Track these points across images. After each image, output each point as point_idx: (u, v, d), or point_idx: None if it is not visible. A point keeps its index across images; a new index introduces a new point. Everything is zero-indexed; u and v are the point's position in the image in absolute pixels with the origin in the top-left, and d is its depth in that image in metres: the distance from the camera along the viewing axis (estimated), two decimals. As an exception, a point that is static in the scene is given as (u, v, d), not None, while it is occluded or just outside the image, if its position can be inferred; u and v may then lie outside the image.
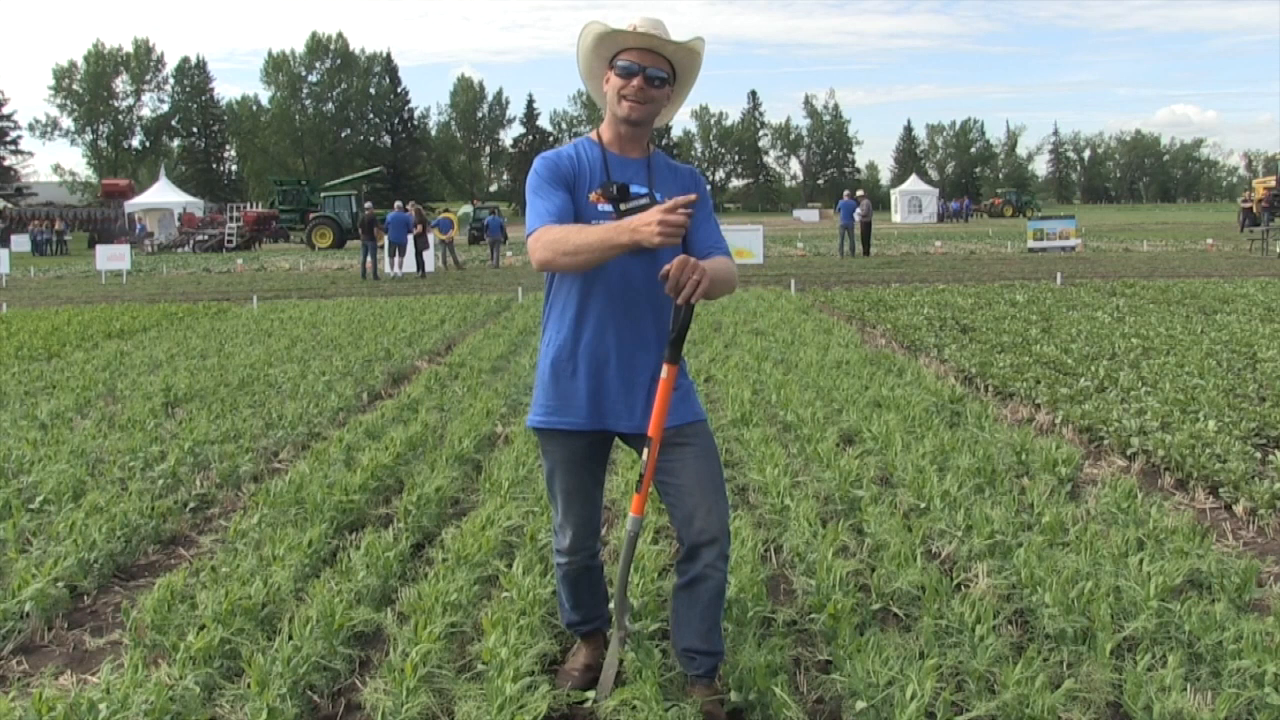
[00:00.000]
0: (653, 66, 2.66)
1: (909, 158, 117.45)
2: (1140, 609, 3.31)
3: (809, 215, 70.37)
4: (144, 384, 8.28)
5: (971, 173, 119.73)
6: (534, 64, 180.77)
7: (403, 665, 2.96)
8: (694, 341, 9.72)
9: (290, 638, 3.19)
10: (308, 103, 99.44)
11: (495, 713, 2.73)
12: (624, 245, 2.44)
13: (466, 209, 50.60)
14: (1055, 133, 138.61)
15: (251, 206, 50.98)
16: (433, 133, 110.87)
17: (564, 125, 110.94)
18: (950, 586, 3.57)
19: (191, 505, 5.04)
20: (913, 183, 67.21)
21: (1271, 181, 39.98)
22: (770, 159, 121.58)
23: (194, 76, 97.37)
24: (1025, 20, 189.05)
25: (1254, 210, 36.77)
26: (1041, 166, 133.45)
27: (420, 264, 23.32)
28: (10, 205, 55.48)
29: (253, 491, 5.13)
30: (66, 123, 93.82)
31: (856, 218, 26.60)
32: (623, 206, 2.66)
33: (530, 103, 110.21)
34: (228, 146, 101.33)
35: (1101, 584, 3.46)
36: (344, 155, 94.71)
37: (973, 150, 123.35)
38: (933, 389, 7.09)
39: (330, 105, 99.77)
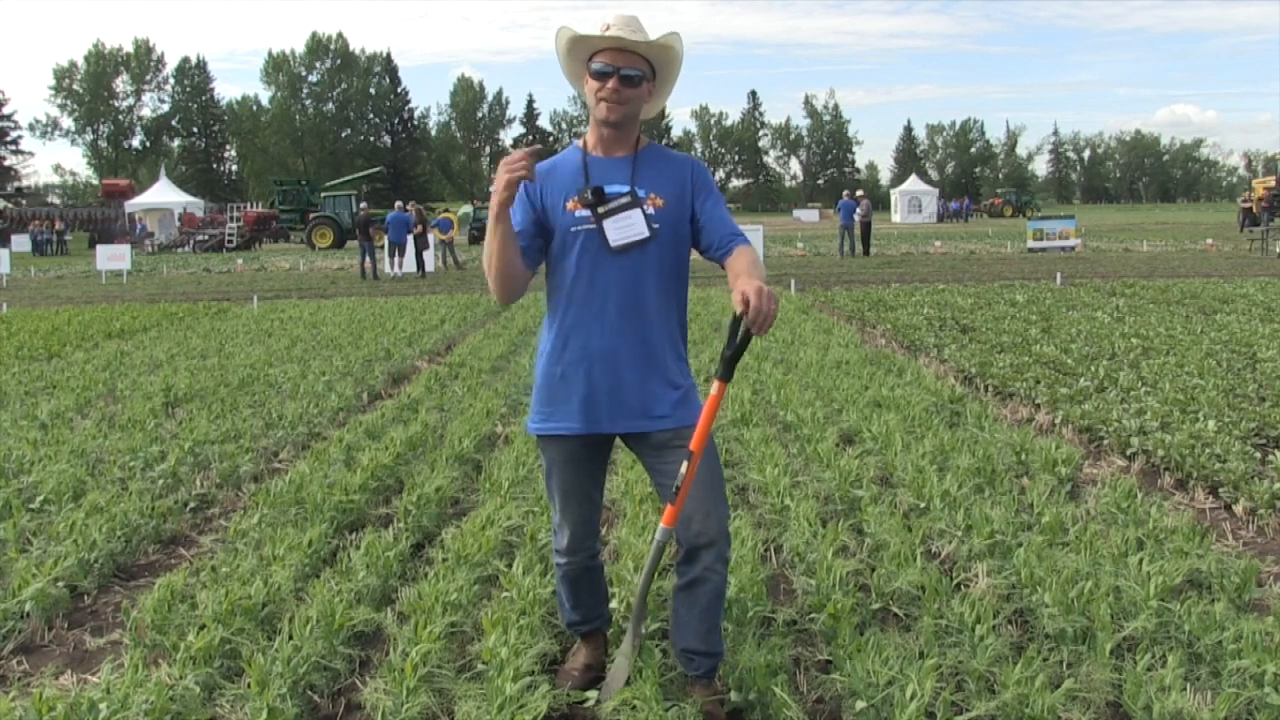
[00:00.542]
0: (627, 66, 2.64)
1: (909, 158, 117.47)
2: (1140, 609, 3.31)
3: (809, 215, 70.36)
4: (144, 384, 8.29)
5: (971, 173, 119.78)
6: (534, 64, 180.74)
7: (403, 665, 2.97)
8: (694, 341, 9.72)
9: (290, 637, 3.19)
10: (308, 103, 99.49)
11: (495, 713, 2.73)
12: (498, 213, 2.54)
13: (466, 209, 50.59)
14: (1055, 133, 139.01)
15: (251, 206, 50.97)
16: (433, 133, 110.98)
17: (564, 125, 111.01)
18: (950, 586, 3.58)
19: (192, 505, 5.04)
20: (912, 183, 67.19)
21: (1271, 181, 40.02)
22: (770, 159, 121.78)
23: (194, 76, 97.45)
24: (1025, 20, 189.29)
25: (1254, 210, 36.78)
26: (1041, 166, 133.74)
27: (420, 264, 23.32)
28: (11, 205, 55.48)
29: (253, 491, 5.13)
30: (67, 123, 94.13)
31: (856, 218, 26.60)
32: (600, 209, 2.65)
33: (530, 103, 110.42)
34: (228, 146, 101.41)
35: (1101, 584, 3.46)
36: (344, 155, 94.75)
37: (973, 150, 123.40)
38: (932, 389, 7.09)
39: (330, 105, 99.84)
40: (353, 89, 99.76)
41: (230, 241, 43.10)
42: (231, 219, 45.34)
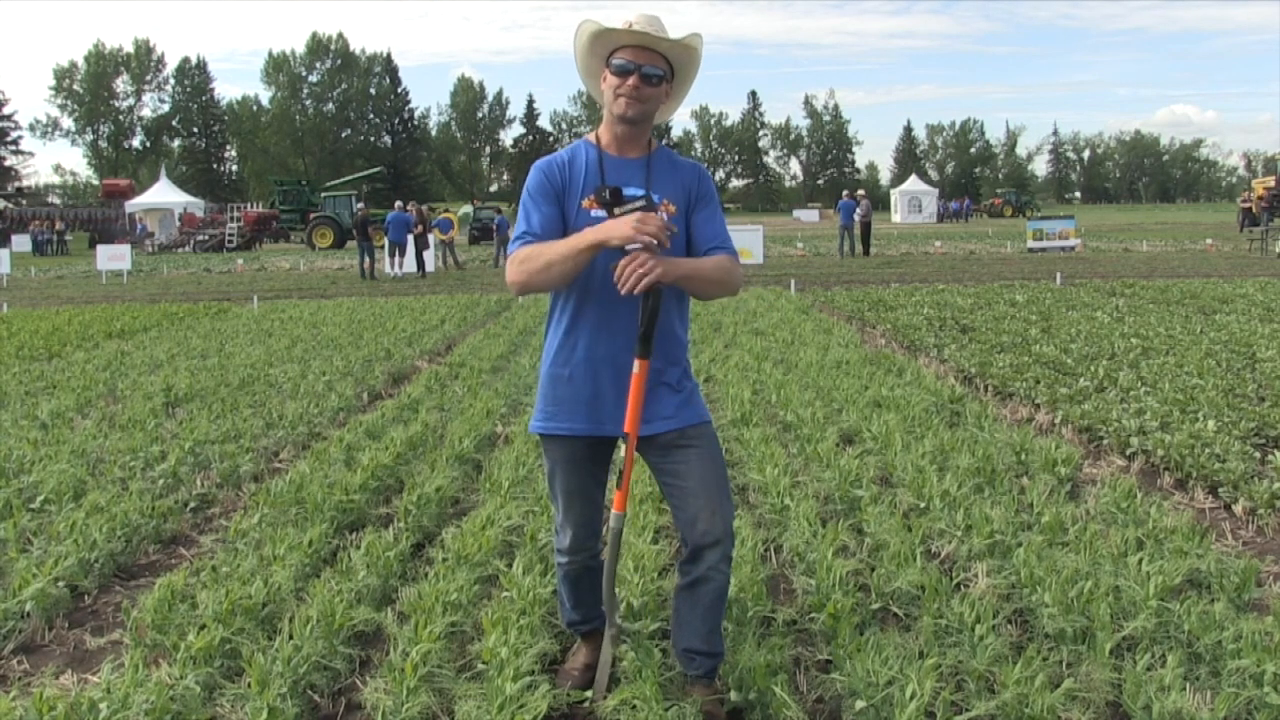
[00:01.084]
0: (649, 64, 2.63)
1: (909, 158, 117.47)
2: (1140, 609, 3.31)
3: (809, 215, 70.37)
4: (144, 384, 8.29)
5: (971, 173, 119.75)
6: (534, 64, 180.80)
7: (403, 665, 2.97)
8: (695, 341, 9.73)
9: (290, 637, 3.19)
10: (308, 103, 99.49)
11: (495, 712, 2.73)
12: (591, 245, 2.49)
13: (467, 209, 50.63)
14: (1055, 133, 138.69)
15: (252, 206, 50.96)
16: (433, 133, 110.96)
17: (564, 125, 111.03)
18: (950, 586, 3.58)
19: (192, 505, 5.04)
20: (912, 183, 67.22)
21: (1271, 181, 40.03)
22: (770, 159, 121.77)
23: (194, 77, 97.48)
24: (1025, 20, 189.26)
25: (1253, 210, 36.79)
26: (1041, 166, 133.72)
27: (421, 264, 23.33)
28: (11, 205, 55.48)
29: (253, 491, 5.14)
30: (67, 123, 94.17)
31: (856, 218, 26.60)
32: (616, 211, 2.63)
33: (530, 103, 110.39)
34: (228, 147, 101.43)
35: (1101, 584, 3.46)
36: (344, 155, 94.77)
37: (972, 150, 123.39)
38: (932, 389, 7.09)
39: (330, 105, 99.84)
40: (353, 89, 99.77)
41: (230, 241, 43.10)
42: (232, 219, 45.35)
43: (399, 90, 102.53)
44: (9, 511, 4.72)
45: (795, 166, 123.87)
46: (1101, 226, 46.58)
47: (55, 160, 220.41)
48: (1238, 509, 4.64)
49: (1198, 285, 14.67)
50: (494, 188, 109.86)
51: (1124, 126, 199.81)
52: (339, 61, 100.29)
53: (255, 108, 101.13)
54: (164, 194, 50.37)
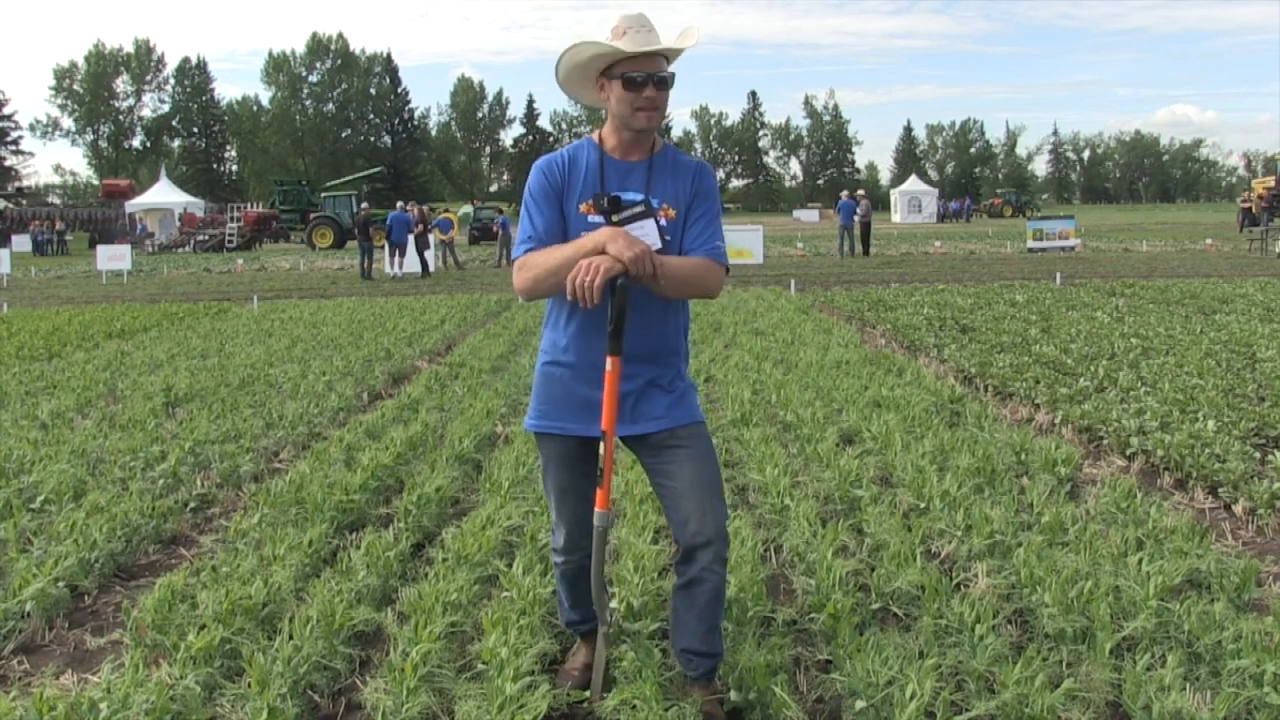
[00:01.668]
0: (658, 70, 2.60)
1: (909, 158, 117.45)
2: (1140, 609, 3.31)
3: (809, 215, 70.34)
4: (144, 384, 8.29)
5: (971, 173, 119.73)
6: (534, 64, 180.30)
7: (403, 665, 2.97)
8: (695, 341, 9.72)
9: (291, 637, 3.19)
10: (308, 103, 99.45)
11: (495, 712, 2.73)
12: (582, 257, 2.49)
13: (467, 209, 50.64)
14: (1055, 133, 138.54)
15: (252, 207, 50.96)
16: (433, 133, 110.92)
17: (564, 125, 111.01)
18: (950, 586, 3.58)
19: (192, 505, 5.04)
20: (912, 183, 67.21)
21: (1270, 181, 40.00)
22: (770, 159, 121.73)
23: (194, 77, 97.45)
24: (1025, 20, 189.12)
25: (1253, 210, 36.77)
26: (1041, 167, 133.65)
27: (424, 264, 23.35)
28: (11, 205, 55.48)
29: (253, 491, 5.14)
30: (67, 123, 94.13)
31: (856, 218, 26.60)
32: (615, 218, 2.62)
33: (530, 103, 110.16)
34: (228, 147, 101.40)
35: (1101, 584, 3.46)
36: (344, 155, 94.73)
37: (972, 150, 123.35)
38: (932, 389, 7.09)
39: (330, 105, 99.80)
40: (353, 89, 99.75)
41: (230, 242, 43.09)
42: (232, 219, 45.34)
43: (399, 90, 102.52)
44: (9, 511, 4.73)
45: (795, 166, 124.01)
46: (1101, 226, 46.58)
47: (55, 160, 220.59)
48: (1238, 509, 4.64)
49: (1198, 285, 14.66)
50: (494, 188, 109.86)
51: (1124, 126, 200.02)
52: (339, 61, 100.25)
53: (255, 108, 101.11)
54: (164, 194, 50.36)
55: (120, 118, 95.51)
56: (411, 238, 23.06)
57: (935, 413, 6.39)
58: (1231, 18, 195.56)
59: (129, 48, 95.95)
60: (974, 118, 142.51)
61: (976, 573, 3.77)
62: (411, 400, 7.29)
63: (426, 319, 12.63)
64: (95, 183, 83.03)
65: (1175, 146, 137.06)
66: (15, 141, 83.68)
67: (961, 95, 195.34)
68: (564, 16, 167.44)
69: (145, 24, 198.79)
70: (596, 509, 2.71)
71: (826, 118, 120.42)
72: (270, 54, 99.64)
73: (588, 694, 2.98)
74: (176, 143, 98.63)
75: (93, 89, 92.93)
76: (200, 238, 43.39)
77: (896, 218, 61.68)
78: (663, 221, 2.67)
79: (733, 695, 2.90)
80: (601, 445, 2.65)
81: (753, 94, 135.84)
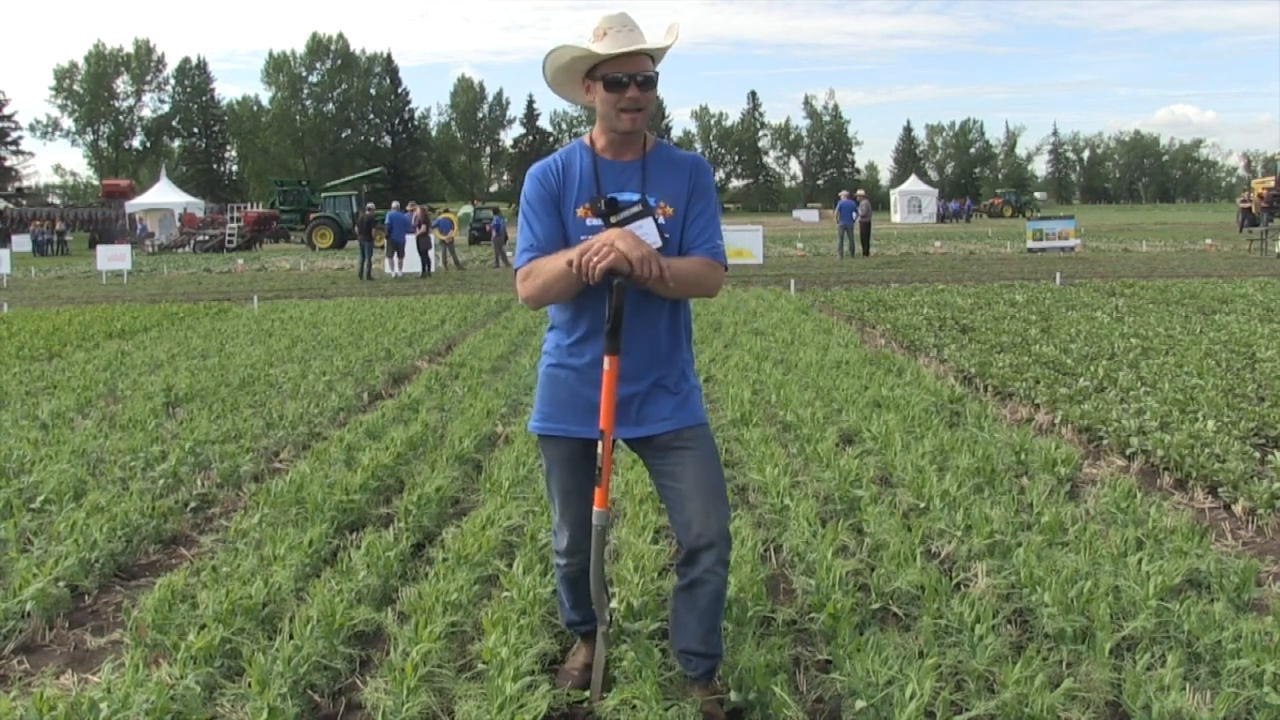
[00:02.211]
0: (640, 70, 2.58)
1: (908, 158, 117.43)
2: (1139, 608, 3.31)
3: (809, 215, 70.35)
4: (145, 384, 8.29)
5: (971, 173, 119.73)
6: (534, 64, 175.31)
7: (403, 665, 2.97)
8: (695, 341, 9.71)
9: (291, 637, 3.19)
10: (308, 103, 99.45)
11: (495, 712, 2.73)
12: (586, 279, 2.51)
13: (467, 209, 50.64)
14: (1055, 133, 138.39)
15: (252, 207, 50.98)
16: (433, 133, 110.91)
17: (564, 126, 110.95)
18: (950, 586, 3.58)
19: (192, 505, 5.04)
20: (912, 183, 67.23)
21: (1270, 182, 39.99)
22: (770, 159, 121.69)
23: (194, 77, 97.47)
24: (1025, 20, 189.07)
25: (1253, 210, 36.76)
26: (1041, 167, 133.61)
27: (426, 263, 23.35)
28: (11, 205, 55.48)
29: (253, 491, 5.14)
30: (67, 123, 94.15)
31: (856, 218, 26.60)
32: (613, 219, 2.62)
33: (530, 103, 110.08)
34: (228, 147, 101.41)
35: (1101, 583, 3.46)
36: (344, 155, 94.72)
37: (972, 150, 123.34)
38: (932, 389, 7.09)
39: (331, 106, 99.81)
40: (353, 89, 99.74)
41: (231, 242, 43.09)
42: (232, 219, 45.35)
43: (399, 90, 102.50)
44: (9, 511, 4.73)
45: (795, 167, 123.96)
46: (1101, 227, 46.58)
47: (55, 160, 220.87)
48: (1237, 509, 4.64)
49: (1197, 285, 14.67)
50: (494, 188, 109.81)
51: (1124, 126, 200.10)
52: (339, 62, 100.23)
53: (255, 108, 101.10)
54: (164, 194, 50.37)
55: (120, 118, 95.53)
56: (412, 238, 23.07)
57: (935, 413, 6.39)
58: (1231, 18, 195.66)
59: (129, 48, 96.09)
60: (974, 118, 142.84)
61: (976, 573, 3.77)
62: (412, 400, 7.30)
63: (427, 319, 12.63)
64: (95, 183, 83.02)
65: (1175, 147, 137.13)
66: (15, 142, 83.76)
67: (961, 95, 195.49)
68: (564, 16, 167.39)
69: (145, 24, 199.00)
70: (595, 508, 2.71)
71: (826, 118, 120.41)
72: (270, 54, 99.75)
73: (588, 694, 2.98)
74: (176, 143, 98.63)
75: (93, 89, 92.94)
76: (200, 238, 43.39)
77: (896, 218, 61.68)
78: (661, 219, 2.67)
79: (733, 695, 2.91)
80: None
81: (753, 94, 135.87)
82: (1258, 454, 5.35)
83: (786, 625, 3.46)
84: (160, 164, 79.09)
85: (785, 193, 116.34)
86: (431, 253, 23.80)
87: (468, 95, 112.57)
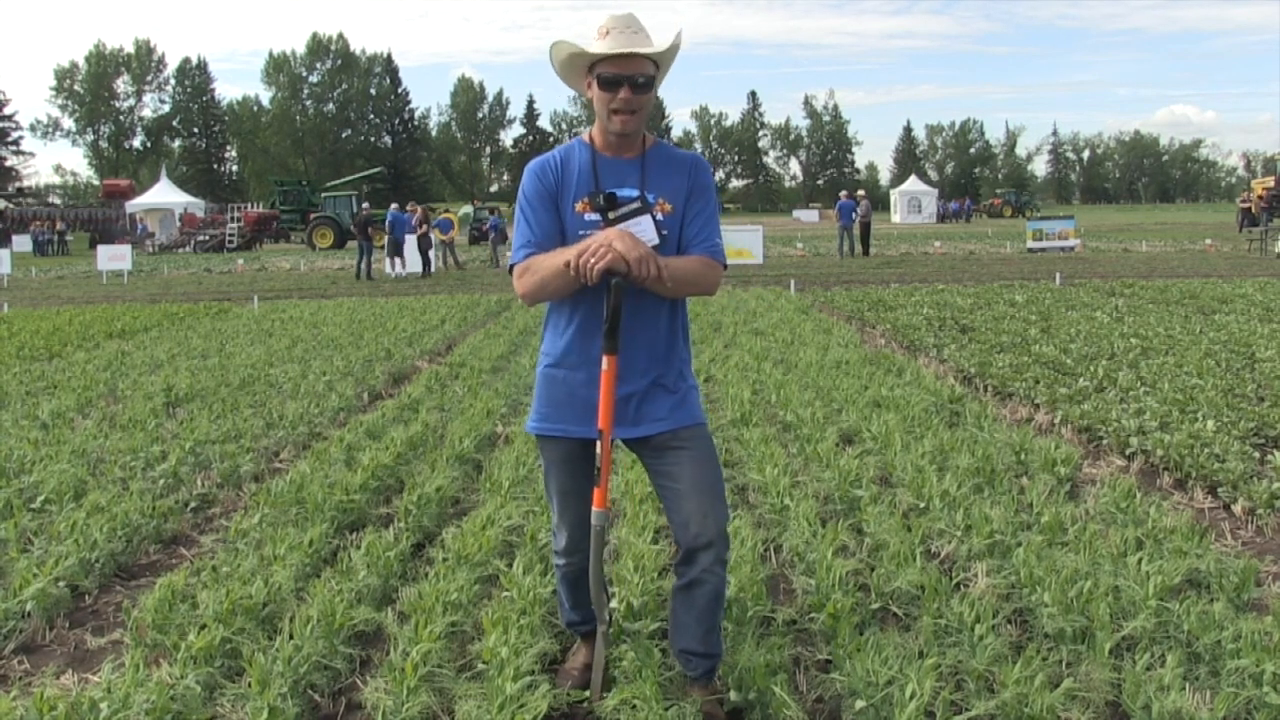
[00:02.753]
0: (636, 71, 2.58)
1: (908, 158, 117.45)
2: (1139, 608, 3.31)
3: (809, 215, 70.35)
4: (145, 384, 8.29)
5: (971, 173, 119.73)
6: (534, 64, 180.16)
7: (403, 664, 2.97)
8: (695, 341, 9.72)
9: (291, 637, 3.19)
10: (308, 103, 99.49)
11: (495, 712, 2.73)
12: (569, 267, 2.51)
13: (467, 209, 50.62)
14: (1054, 133, 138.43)
15: (252, 207, 50.96)
16: (433, 133, 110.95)
17: (564, 126, 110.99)
18: (949, 586, 3.58)
19: (192, 505, 5.04)
20: (912, 183, 67.21)
21: (1270, 182, 39.96)
22: (770, 159, 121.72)
23: (195, 77, 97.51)
24: (1025, 20, 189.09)
25: (1252, 210, 36.74)
26: (1041, 167, 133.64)
27: (426, 263, 23.36)
28: (12, 205, 55.49)
29: (253, 491, 5.14)
30: (68, 123, 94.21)
31: (856, 218, 26.61)
32: (611, 215, 2.62)
33: (530, 103, 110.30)
34: (229, 147, 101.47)
35: (1100, 583, 3.46)
36: (344, 156, 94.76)
37: (972, 150, 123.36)
38: (932, 389, 7.09)
39: (331, 106, 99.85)
40: (353, 89, 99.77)
41: (231, 242, 43.09)
42: (232, 219, 45.35)
43: (399, 90, 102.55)
44: (10, 511, 4.73)
45: (795, 167, 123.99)
46: (1101, 227, 46.58)
47: (56, 160, 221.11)
48: (1237, 509, 4.64)
49: (1197, 285, 14.66)
50: (494, 188, 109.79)
51: (1124, 127, 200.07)
52: (339, 62, 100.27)
53: (255, 108, 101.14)
54: (164, 194, 50.37)
55: (121, 118, 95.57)
56: (413, 238, 23.07)
57: (935, 413, 6.40)
58: (1231, 18, 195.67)
59: (129, 48, 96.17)
60: (974, 118, 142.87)
61: (976, 572, 3.77)
62: (412, 400, 7.30)
63: (427, 319, 12.63)
64: (96, 183, 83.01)
65: (1175, 147, 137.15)
66: (16, 142, 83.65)
67: (961, 95, 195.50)
68: (564, 17, 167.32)
69: (145, 24, 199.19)
70: (594, 508, 2.71)
71: (826, 118, 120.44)
72: (270, 54, 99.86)
73: (588, 694, 2.99)
74: (177, 143, 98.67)
75: (93, 89, 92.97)
76: (200, 238, 43.39)
77: (896, 218, 61.67)
78: (659, 216, 2.67)
79: (732, 695, 2.91)
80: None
81: (752, 94, 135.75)
82: (1257, 454, 5.35)
83: (786, 625, 3.46)
84: (160, 164, 79.10)
85: (785, 193, 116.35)
86: (432, 253, 23.80)
87: (468, 95, 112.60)
